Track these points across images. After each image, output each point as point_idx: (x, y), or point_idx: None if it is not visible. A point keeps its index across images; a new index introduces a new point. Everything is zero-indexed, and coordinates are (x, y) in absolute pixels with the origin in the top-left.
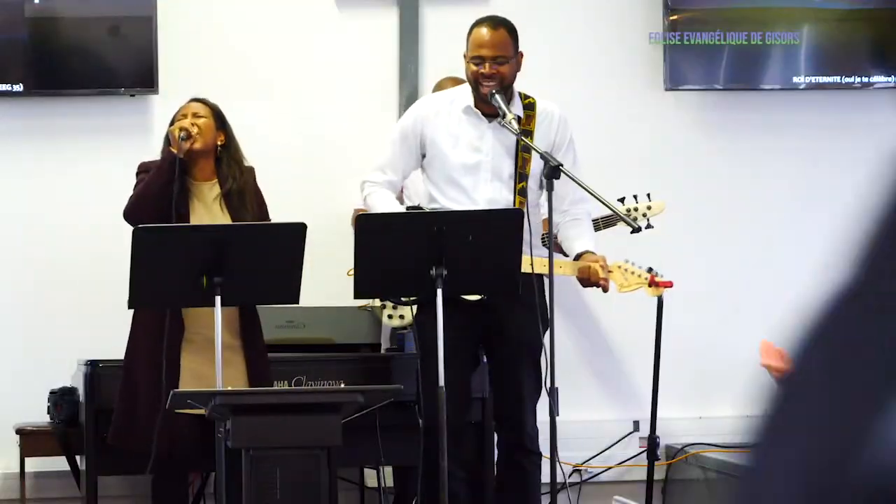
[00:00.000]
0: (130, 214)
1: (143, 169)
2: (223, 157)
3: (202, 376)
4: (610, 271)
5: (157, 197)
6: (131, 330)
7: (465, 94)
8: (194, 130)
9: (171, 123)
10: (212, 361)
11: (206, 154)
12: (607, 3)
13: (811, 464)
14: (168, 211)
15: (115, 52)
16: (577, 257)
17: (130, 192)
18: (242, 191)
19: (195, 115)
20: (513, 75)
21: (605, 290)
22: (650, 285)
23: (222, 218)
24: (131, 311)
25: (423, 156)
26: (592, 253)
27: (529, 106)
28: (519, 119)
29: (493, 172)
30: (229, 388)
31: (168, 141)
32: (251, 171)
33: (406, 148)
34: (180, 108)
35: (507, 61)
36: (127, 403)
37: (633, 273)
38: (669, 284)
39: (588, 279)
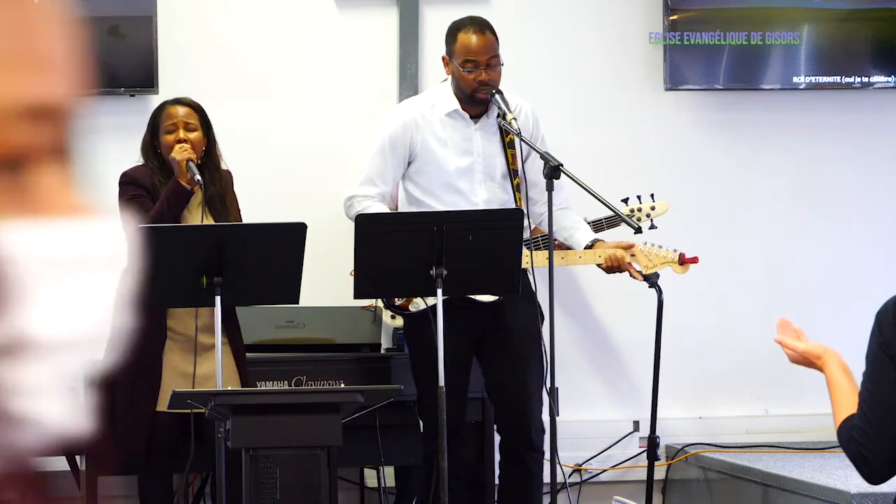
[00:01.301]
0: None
1: (129, 181)
2: (206, 160)
3: (187, 376)
4: (633, 255)
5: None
6: None
7: (445, 96)
8: (191, 154)
9: (154, 120)
10: (201, 359)
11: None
12: (607, 3)
13: None
14: None
15: (115, 52)
16: (588, 247)
17: (118, 203)
18: (224, 195)
19: (186, 127)
20: (501, 76)
21: (633, 275)
22: (681, 263)
23: (206, 221)
24: None
25: (409, 163)
26: (602, 240)
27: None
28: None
29: (485, 173)
30: (229, 388)
31: (153, 133)
32: (229, 174)
33: (396, 156)
34: (168, 112)
35: (497, 63)
36: (107, 406)
37: (655, 254)
38: (696, 260)
39: (616, 267)
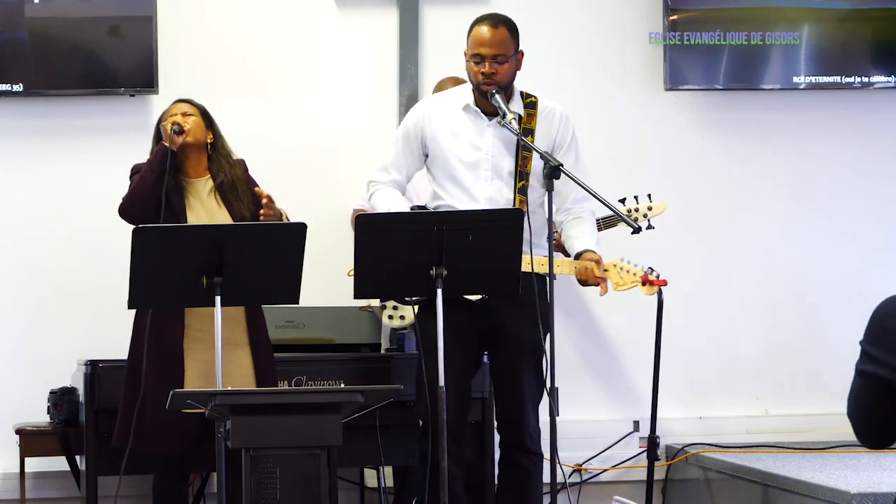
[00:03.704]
0: (126, 209)
1: (136, 170)
2: (213, 153)
3: (209, 374)
4: (606, 270)
5: (152, 191)
6: (134, 330)
7: (465, 92)
8: (186, 125)
9: (158, 124)
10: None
11: (197, 150)
12: (607, 3)
13: None
14: (162, 204)
15: (115, 52)
16: (577, 256)
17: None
18: (234, 183)
19: (184, 115)
20: (511, 74)
21: (604, 291)
22: (643, 284)
23: (218, 211)
24: (132, 311)
25: (426, 155)
26: (592, 252)
27: (531, 104)
28: (519, 118)
29: (493, 171)
30: (229, 388)
31: (158, 138)
32: (241, 162)
33: (408, 147)
34: (167, 109)
35: (506, 60)
36: (132, 404)
37: (628, 271)
38: (664, 283)
39: (586, 279)
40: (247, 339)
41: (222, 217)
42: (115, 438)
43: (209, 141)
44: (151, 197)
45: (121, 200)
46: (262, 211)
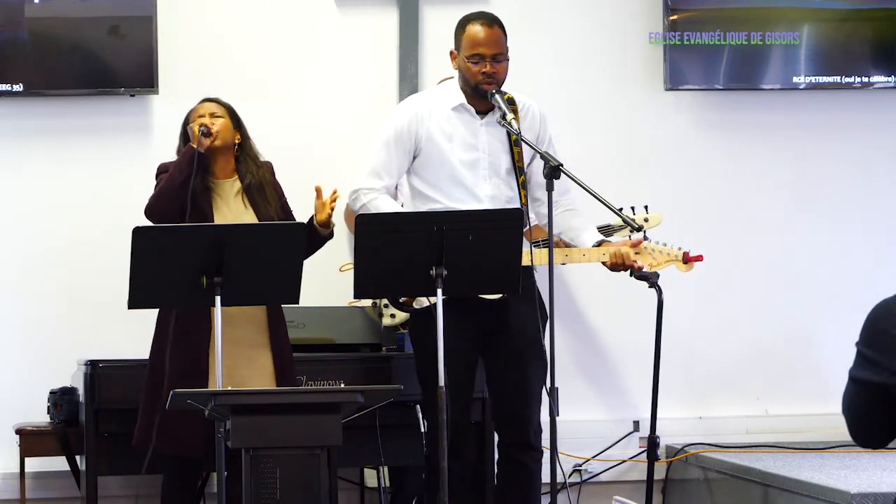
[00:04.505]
0: (152, 210)
1: (163, 169)
2: (240, 154)
3: (232, 376)
4: (638, 253)
5: (179, 192)
6: (156, 330)
7: (452, 91)
8: (214, 128)
9: (186, 123)
10: (241, 360)
11: (225, 152)
12: (607, 3)
13: None
14: (186, 206)
15: (115, 52)
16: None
17: (144, 193)
18: (262, 185)
19: (212, 115)
20: (507, 72)
21: (639, 271)
22: (685, 262)
23: (245, 212)
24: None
25: (415, 157)
26: (608, 241)
27: (510, 101)
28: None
29: (490, 169)
30: (229, 389)
31: (185, 138)
32: (268, 165)
33: (401, 149)
34: (195, 109)
35: (504, 59)
36: (153, 406)
37: (661, 252)
38: (700, 258)
39: (621, 264)
40: (268, 341)
41: (248, 219)
42: (136, 440)
43: (237, 142)
44: (178, 198)
45: (147, 200)
46: (328, 204)
